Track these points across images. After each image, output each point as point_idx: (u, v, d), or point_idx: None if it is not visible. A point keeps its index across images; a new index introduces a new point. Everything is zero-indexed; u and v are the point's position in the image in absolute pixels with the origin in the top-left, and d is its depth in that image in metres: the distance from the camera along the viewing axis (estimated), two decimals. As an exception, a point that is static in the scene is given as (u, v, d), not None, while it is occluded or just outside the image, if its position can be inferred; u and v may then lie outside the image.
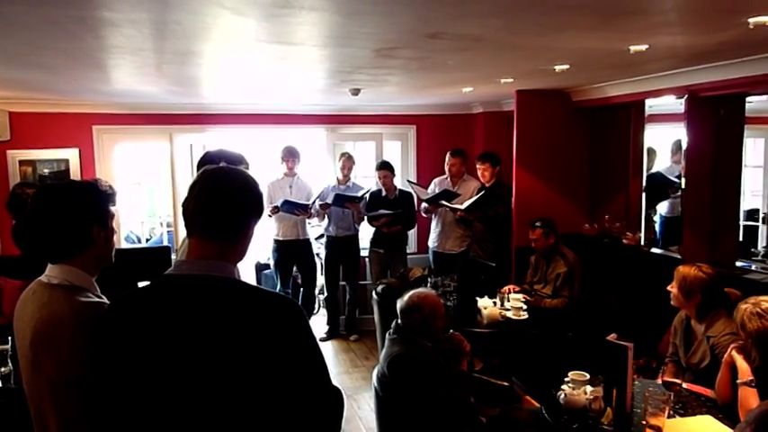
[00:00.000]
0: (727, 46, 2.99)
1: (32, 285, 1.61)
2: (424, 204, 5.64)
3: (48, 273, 1.59)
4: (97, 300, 1.57)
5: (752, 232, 5.86)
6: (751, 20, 2.33)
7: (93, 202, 1.62)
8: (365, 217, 5.73)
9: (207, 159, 2.37)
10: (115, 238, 1.72)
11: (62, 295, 1.53)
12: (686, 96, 3.96)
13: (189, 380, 1.31)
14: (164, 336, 1.33)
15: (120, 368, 1.36)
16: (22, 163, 5.47)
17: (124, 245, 5.87)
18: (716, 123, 3.99)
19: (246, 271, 6.35)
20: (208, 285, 1.38)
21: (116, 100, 5.41)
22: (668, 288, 3.07)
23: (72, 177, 5.43)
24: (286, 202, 5.47)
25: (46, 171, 5.56)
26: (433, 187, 5.79)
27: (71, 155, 5.59)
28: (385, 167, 5.73)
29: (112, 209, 1.70)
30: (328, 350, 5.85)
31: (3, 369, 3.01)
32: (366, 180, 6.28)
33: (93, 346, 1.42)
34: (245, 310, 1.36)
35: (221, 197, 1.43)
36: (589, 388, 2.67)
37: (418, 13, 2.31)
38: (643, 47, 2.92)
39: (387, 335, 3.07)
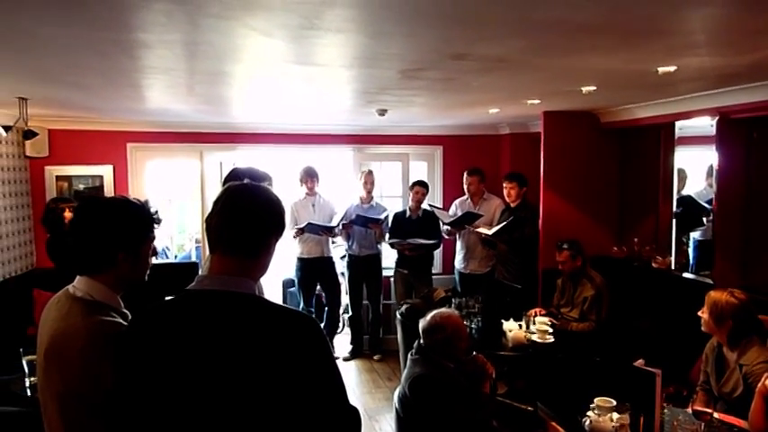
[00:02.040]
0: (757, 67, 2.94)
1: (59, 294, 1.64)
2: (446, 227, 5.62)
3: (75, 284, 1.62)
4: (116, 320, 1.58)
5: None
6: (781, 41, 2.30)
7: (125, 227, 1.61)
8: (387, 239, 5.74)
9: (233, 176, 2.42)
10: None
11: (81, 310, 1.55)
12: (717, 118, 3.89)
13: (206, 395, 1.32)
14: (182, 350, 1.35)
15: (139, 382, 1.38)
16: (58, 178, 5.64)
17: (153, 260, 5.98)
18: (748, 146, 3.91)
19: (273, 287, 6.39)
20: (226, 301, 1.39)
21: (149, 118, 5.56)
22: (699, 314, 2.99)
23: (106, 193, 5.57)
24: (310, 224, 5.52)
25: (81, 186, 5.71)
26: (455, 209, 5.78)
27: (105, 171, 5.75)
28: (422, 185, 5.75)
29: (155, 232, 1.69)
30: (351, 370, 5.83)
31: (33, 378, 3.08)
32: (393, 201, 6.30)
33: (114, 359, 1.44)
34: (262, 326, 1.37)
35: (243, 213, 1.46)
36: (615, 415, 2.61)
37: (442, 35, 2.33)
38: (671, 68, 2.89)
39: (409, 355, 3.05)
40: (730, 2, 1.94)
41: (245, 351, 1.32)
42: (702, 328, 2.99)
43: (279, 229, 1.53)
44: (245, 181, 1.66)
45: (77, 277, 1.62)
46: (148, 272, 1.73)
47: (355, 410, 1.48)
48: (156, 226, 1.70)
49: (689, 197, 5.18)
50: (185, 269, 5.54)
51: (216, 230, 1.46)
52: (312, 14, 2.03)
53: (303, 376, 1.34)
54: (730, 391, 2.85)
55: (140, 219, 1.66)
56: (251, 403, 1.31)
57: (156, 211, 1.71)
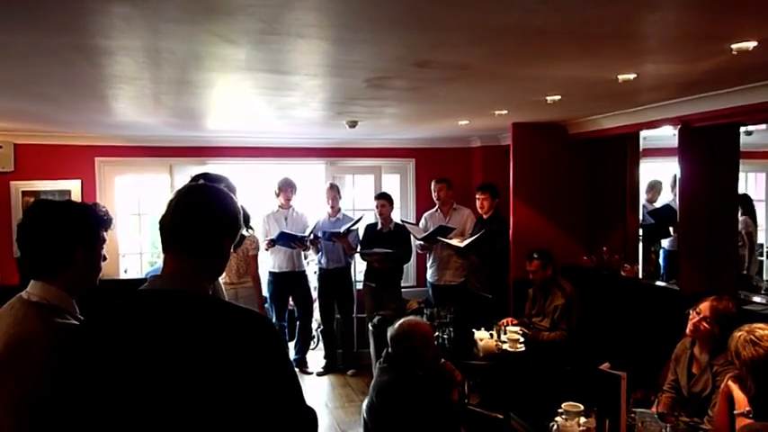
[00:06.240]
0: (714, 75, 3.02)
1: (12, 300, 1.60)
2: (419, 242, 5.62)
3: (29, 289, 1.59)
4: (73, 323, 1.55)
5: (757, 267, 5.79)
6: (734, 46, 2.36)
7: (82, 223, 1.62)
8: (358, 250, 5.73)
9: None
10: (111, 266, 1.72)
11: (38, 314, 1.52)
12: (679, 127, 3.98)
13: (158, 395, 1.29)
14: (133, 350, 1.32)
15: (90, 383, 1.35)
16: (24, 194, 5.51)
17: (123, 276, 5.85)
18: (710, 155, 3.99)
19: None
20: (178, 300, 1.37)
21: (118, 132, 5.50)
22: (694, 314, 2.96)
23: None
24: (282, 235, 5.49)
25: (48, 202, 5.59)
26: (425, 223, 5.78)
27: (73, 186, 5.65)
28: (382, 197, 5.76)
29: (105, 235, 1.69)
30: (325, 385, 5.76)
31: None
32: (366, 214, 6.29)
33: (65, 361, 1.41)
34: (214, 325, 1.35)
35: (195, 213, 1.44)
36: (582, 419, 2.61)
37: (403, 41, 2.35)
38: (630, 76, 2.95)
39: (377, 364, 3.03)
40: (681, 5, 1.99)
41: (196, 350, 1.30)
42: (691, 333, 2.97)
43: (233, 230, 1.52)
44: (200, 182, 1.64)
45: (31, 282, 1.59)
46: (115, 286, 1.71)
47: (312, 411, 1.46)
48: (106, 225, 1.68)
49: (667, 206, 5.26)
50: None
51: (168, 230, 1.45)
52: (272, 18, 2.03)
53: (257, 376, 1.33)
54: (700, 390, 2.89)
55: (93, 215, 1.66)
56: (204, 403, 1.29)
57: (107, 212, 1.69)
